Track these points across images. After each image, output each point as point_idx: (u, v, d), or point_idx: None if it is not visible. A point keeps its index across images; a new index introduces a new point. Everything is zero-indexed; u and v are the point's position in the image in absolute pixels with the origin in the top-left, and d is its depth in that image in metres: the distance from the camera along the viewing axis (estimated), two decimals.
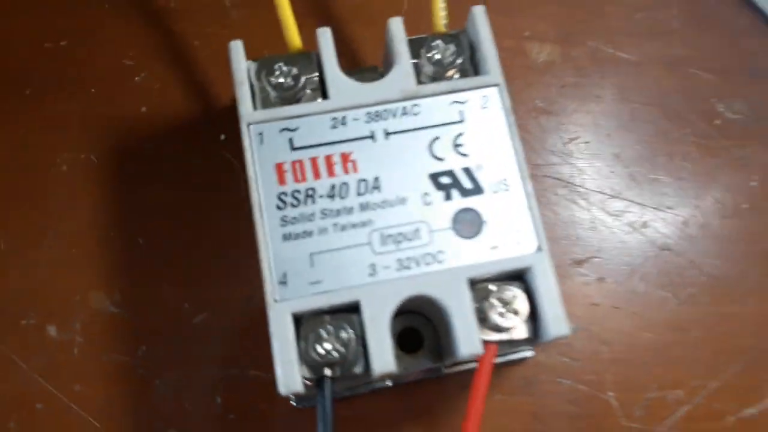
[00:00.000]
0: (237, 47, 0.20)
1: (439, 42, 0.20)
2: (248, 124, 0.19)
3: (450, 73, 0.20)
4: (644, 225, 0.24)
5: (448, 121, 0.19)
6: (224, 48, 0.20)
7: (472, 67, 0.20)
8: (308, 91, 0.20)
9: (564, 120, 0.25)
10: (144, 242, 0.22)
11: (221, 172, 0.23)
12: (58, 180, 0.23)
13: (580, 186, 0.24)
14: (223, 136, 0.23)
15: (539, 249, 0.18)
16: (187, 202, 0.23)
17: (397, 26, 0.20)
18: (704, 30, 0.27)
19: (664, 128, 0.25)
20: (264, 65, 0.20)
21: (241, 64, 0.20)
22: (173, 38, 0.24)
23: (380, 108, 0.19)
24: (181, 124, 0.24)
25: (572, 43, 0.26)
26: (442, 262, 0.18)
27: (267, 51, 0.23)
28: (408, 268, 0.18)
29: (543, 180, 0.24)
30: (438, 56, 0.20)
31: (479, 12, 0.20)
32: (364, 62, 0.25)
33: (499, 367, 0.22)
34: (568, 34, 0.26)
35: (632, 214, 0.24)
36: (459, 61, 0.20)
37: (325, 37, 0.20)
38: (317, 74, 0.20)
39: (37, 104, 0.23)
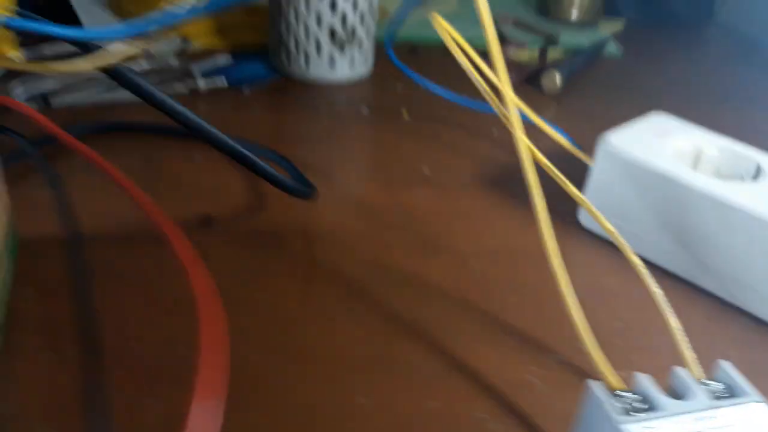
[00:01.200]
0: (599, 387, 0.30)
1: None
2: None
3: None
4: None
5: (749, 423, 0.28)
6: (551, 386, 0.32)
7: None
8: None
9: None
10: None
11: None
12: None
13: None
14: None
15: None
16: None
17: (682, 372, 0.32)
18: None
19: None
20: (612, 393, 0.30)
21: (605, 395, 0.30)
22: (513, 387, 0.34)
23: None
24: None
25: None
26: None
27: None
28: None
29: None
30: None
31: (727, 365, 0.32)
32: None
33: None
34: None
35: None
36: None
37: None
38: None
39: None
